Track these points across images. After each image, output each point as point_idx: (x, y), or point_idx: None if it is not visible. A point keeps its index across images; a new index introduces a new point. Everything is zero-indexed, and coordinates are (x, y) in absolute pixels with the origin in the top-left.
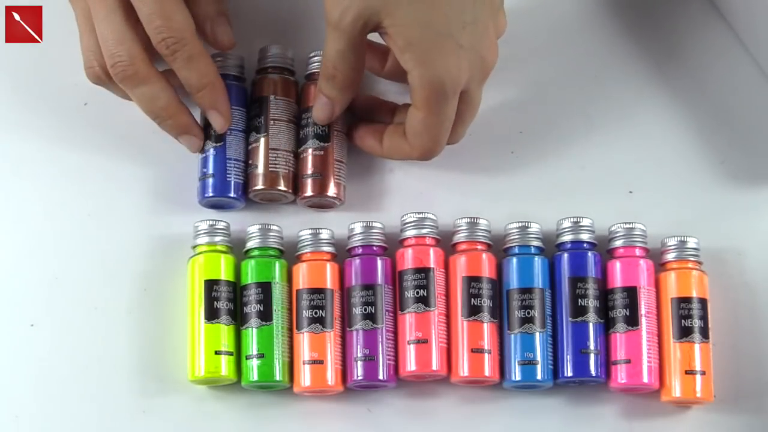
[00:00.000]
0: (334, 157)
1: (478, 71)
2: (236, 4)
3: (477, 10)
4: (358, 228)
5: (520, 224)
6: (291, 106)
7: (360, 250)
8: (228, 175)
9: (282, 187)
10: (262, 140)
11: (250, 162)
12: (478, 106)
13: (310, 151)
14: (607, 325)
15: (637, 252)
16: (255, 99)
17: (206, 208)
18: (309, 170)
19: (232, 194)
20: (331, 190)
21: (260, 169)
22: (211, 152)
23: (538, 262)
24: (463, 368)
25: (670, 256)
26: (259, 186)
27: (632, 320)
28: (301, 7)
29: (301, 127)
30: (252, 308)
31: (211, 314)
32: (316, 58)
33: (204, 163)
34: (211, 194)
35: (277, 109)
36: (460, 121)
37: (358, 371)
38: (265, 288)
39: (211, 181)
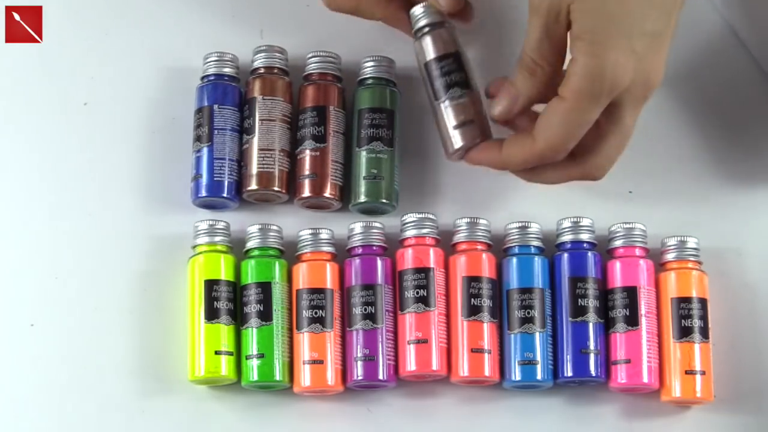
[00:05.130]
0: (331, 158)
1: (639, 85)
2: (236, 4)
3: (659, 25)
4: (358, 228)
5: (520, 224)
6: (281, 106)
7: (360, 250)
8: (216, 176)
9: (274, 188)
10: (252, 141)
11: (242, 163)
12: (626, 133)
13: (307, 152)
14: (607, 325)
15: (637, 252)
16: (246, 100)
17: (204, 209)
18: (306, 171)
19: (224, 194)
20: (328, 191)
21: (251, 170)
22: (203, 153)
23: (538, 262)
24: (463, 368)
25: (670, 256)
26: (252, 187)
27: (632, 320)
28: (301, 7)
29: (298, 128)
30: (252, 308)
31: (211, 314)
32: (314, 59)
33: (195, 163)
34: (202, 194)
35: (264, 109)
36: (601, 140)
37: (358, 371)
38: (265, 288)
39: (200, 181)
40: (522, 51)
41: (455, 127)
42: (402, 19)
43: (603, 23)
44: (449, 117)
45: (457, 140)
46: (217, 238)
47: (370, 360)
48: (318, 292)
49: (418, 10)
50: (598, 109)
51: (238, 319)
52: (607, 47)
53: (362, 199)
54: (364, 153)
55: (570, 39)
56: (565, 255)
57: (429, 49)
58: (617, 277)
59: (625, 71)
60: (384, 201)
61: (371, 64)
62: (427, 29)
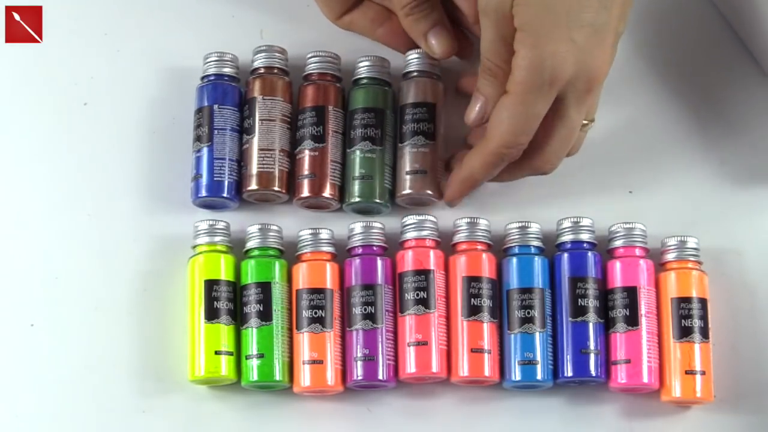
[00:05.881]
0: (330, 158)
1: (582, 78)
2: (236, 4)
3: (599, 17)
4: (358, 228)
5: (520, 224)
6: (280, 106)
7: (360, 250)
8: (216, 176)
9: (274, 188)
10: (252, 141)
11: (242, 163)
12: (572, 128)
13: (306, 152)
14: (607, 325)
15: (637, 252)
16: (246, 100)
17: (204, 209)
18: (305, 171)
19: (224, 194)
20: (327, 191)
21: (252, 170)
22: (203, 153)
23: (538, 262)
24: (463, 368)
25: (670, 256)
26: (252, 187)
27: (632, 320)
28: (301, 7)
29: (297, 128)
30: (252, 308)
31: (211, 314)
32: (314, 59)
33: (195, 163)
34: (202, 194)
35: (264, 109)
36: (549, 135)
37: (358, 371)
38: (265, 288)
39: (200, 181)
40: (481, 56)
41: (407, 173)
42: (395, 42)
43: (542, 14)
44: (406, 162)
45: (406, 186)
46: (217, 238)
47: (369, 360)
48: (318, 292)
49: (412, 54)
50: (543, 100)
51: (238, 319)
52: (546, 38)
53: (355, 199)
54: (356, 153)
55: (515, 33)
56: (565, 255)
57: (410, 93)
58: (617, 277)
59: (564, 61)
60: (377, 201)
61: (365, 63)
62: (415, 74)
